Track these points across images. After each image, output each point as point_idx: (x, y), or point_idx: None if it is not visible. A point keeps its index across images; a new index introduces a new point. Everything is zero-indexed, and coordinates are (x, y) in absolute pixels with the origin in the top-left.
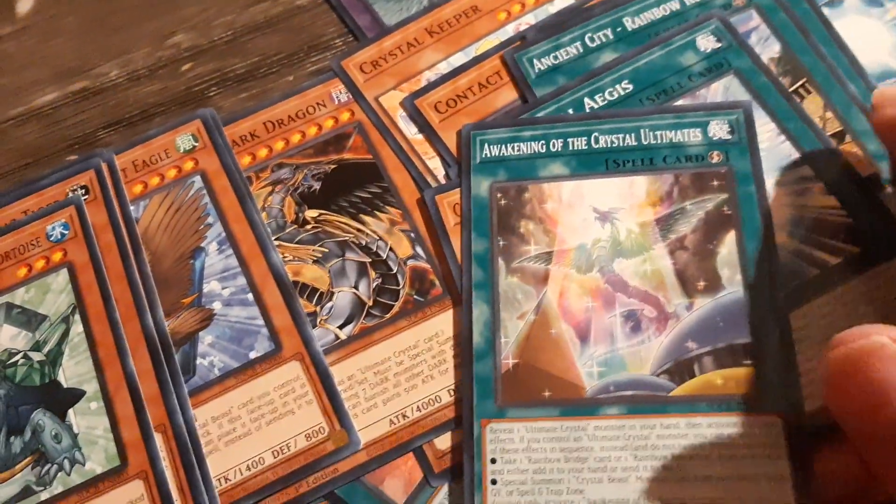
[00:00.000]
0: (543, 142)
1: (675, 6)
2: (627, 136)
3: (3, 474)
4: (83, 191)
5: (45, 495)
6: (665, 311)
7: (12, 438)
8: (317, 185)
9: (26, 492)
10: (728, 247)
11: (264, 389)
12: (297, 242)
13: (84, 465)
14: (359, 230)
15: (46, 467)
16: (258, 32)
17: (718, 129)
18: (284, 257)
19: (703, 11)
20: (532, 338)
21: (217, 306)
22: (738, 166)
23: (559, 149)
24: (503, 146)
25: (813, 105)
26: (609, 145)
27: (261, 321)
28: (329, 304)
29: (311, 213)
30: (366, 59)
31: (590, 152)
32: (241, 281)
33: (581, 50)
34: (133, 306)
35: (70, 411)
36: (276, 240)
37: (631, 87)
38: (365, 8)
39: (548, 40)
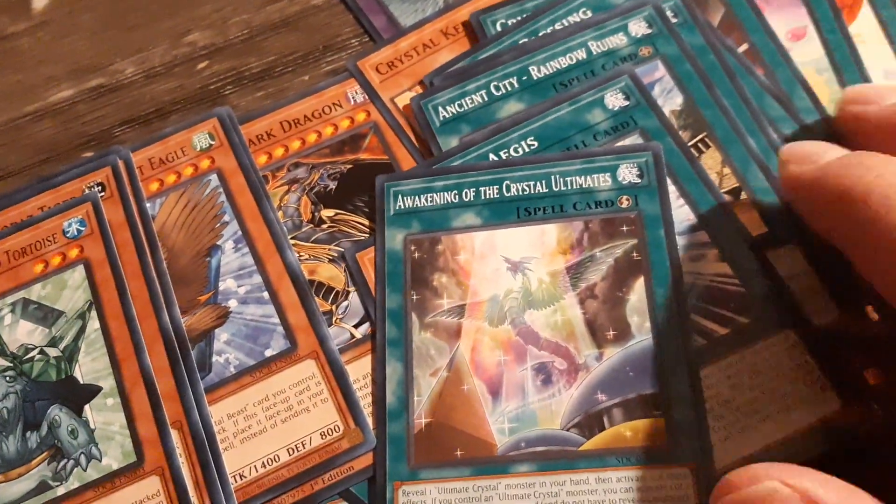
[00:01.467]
0: (456, 191)
1: (582, 55)
2: (538, 183)
3: (20, 469)
4: (100, 188)
5: (61, 490)
6: (575, 362)
7: (29, 433)
8: (333, 185)
9: (42, 487)
10: (637, 293)
11: (280, 387)
12: (312, 241)
13: (100, 460)
14: (374, 229)
15: (63, 462)
16: (274, 32)
17: (627, 172)
18: (300, 256)
19: (608, 60)
20: (445, 395)
21: (233, 304)
22: (648, 210)
23: (471, 198)
24: (416, 197)
25: (711, 160)
26: (520, 193)
27: (276, 319)
28: (345, 303)
29: (327, 213)
30: (381, 60)
31: (501, 201)
32: (257, 279)
33: (486, 98)
34: (149, 303)
35: (86, 407)
36: (292, 238)
37: (536, 143)
38: (380, 9)
39: (453, 87)
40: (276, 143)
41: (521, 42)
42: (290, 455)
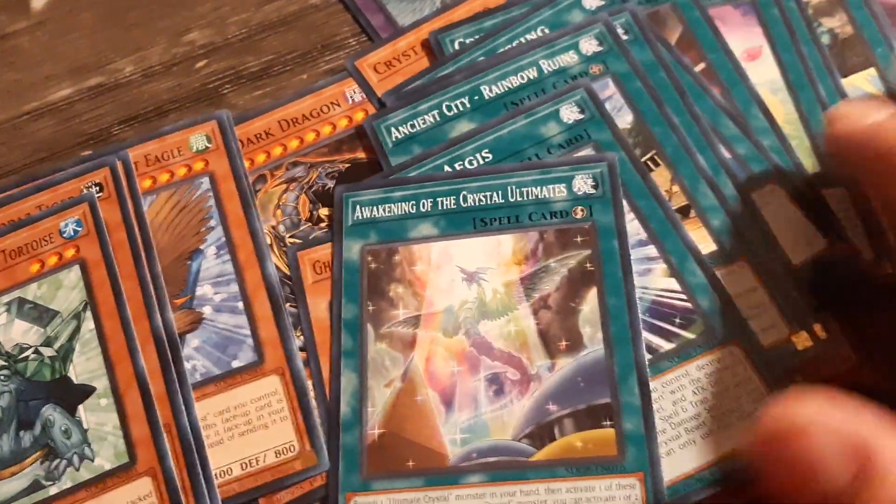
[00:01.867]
0: (413, 202)
1: (533, 74)
2: (495, 193)
3: (13, 468)
4: (97, 188)
5: (53, 490)
6: (528, 372)
7: (22, 433)
8: (331, 184)
9: (35, 486)
10: (590, 304)
11: (241, 400)
12: (311, 240)
13: (93, 460)
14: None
15: (55, 462)
16: (272, 31)
17: (582, 183)
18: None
19: (559, 79)
20: (398, 406)
21: (207, 311)
22: (602, 220)
23: (429, 209)
24: (374, 207)
25: (661, 178)
26: (477, 204)
27: (247, 331)
28: None
29: (325, 212)
30: (380, 60)
31: (458, 211)
32: (234, 288)
33: (438, 119)
34: (143, 305)
35: (80, 407)
36: (290, 237)
37: (491, 156)
38: (378, 8)
39: (405, 108)
40: (275, 142)
41: (473, 61)
42: (242, 469)
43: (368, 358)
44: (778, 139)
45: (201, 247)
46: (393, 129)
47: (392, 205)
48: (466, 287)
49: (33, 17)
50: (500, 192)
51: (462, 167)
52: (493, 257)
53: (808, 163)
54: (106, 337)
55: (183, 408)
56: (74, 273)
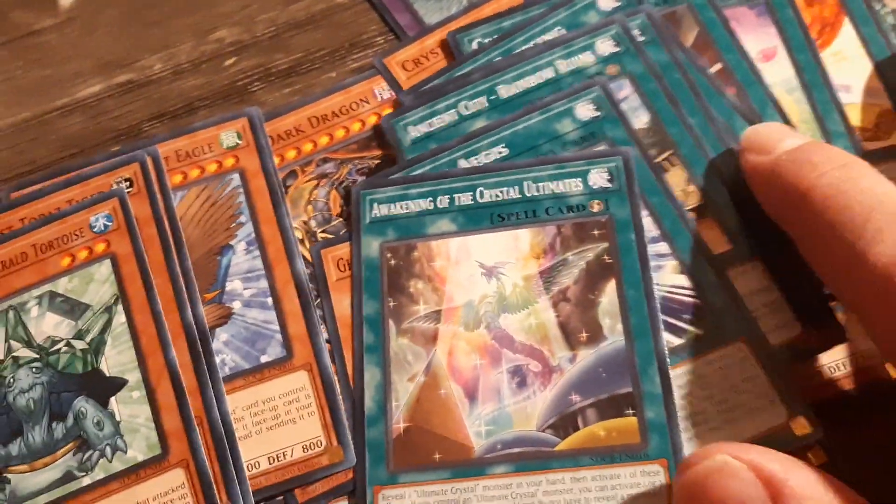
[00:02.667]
0: (431, 199)
1: (550, 74)
2: (511, 189)
3: (46, 459)
4: (127, 183)
5: (86, 481)
6: (549, 364)
7: (55, 424)
8: (361, 180)
9: (68, 477)
10: (609, 296)
11: (270, 395)
12: (337, 237)
13: (126, 452)
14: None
15: (88, 453)
16: (300, 29)
17: (598, 177)
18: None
19: (576, 79)
20: (422, 400)
21: (237, 306)
22: (618, 214)
23: (446, 205)
24: (392, 205)
25: (676, 177)
26: (494, 199)
27: (276, 326)
28: None
29: None
30: (408, 58)
31: (475, 207)
32: (264, 284)
33: (455, 118)
34: (173, 299)
35: (112, 399)
36: (321, 232)
37: (507, 150)
38: (405, 7)
39: (424, 107)
40: (305, 139)
41: (490, 61)
42: (269, 464)
43: (391, 353)
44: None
45: (231, 242)
46: (410, 128)
47: (409, 202)
48: (486, 282)
49: (61, 15)
50: (516, 188)
51: (478, 162)
52: (512, 252)
53: None
54: (137, 330)
55: (214, 401)
56: (105, 267)
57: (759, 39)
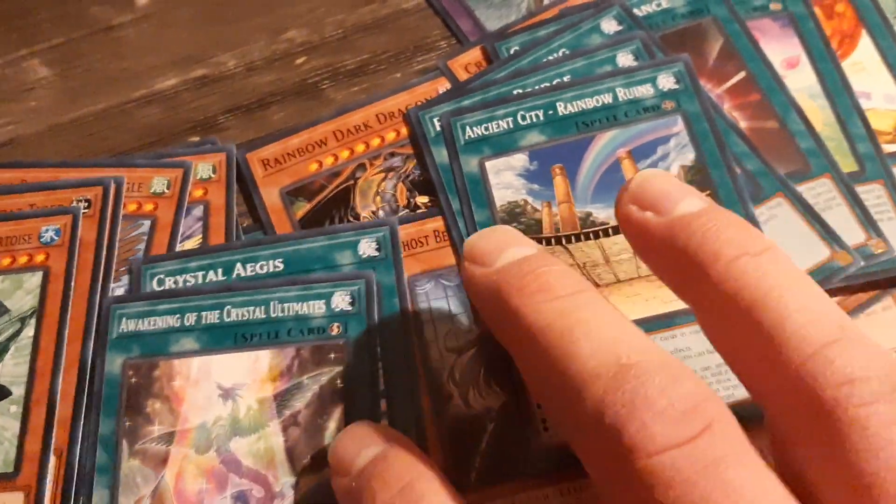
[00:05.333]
0: (178, 315)
1: (608, 99)
2: (257, 308)
3: None
4: (86, 204)
5: None
6: (273, 490)
7: None
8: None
9: None
10: (337, 421)
11: None
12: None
13: None
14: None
15: None
16: (367, 32)
17: (341, 300)
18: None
19: (632, 108)
20: None
21: None
22: (356, 338)
23: (192, 323)
24: (139, 321)
25: None
26: (239, 319)
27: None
28: None
29: (422, 199)
30: (470, 61)
31: (221, 326)
32: None
33: (511, 126)
34: (82, 329)
35: None
36: None
37: (282, 266)
38: (467, 13)
39: (484, 110)
40: (373, 133)
41: (554, 81)
42: None
43: (121, 475)
44: (815, 141)
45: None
46: (467, 128)
47: (157, 318)
48: (222, 403)
49: (138, 11)
50: (262, 308)
51: (254, 270)
52: (251, 373)
53: (846, 162)
54: (39, 348)
55: (79, 437)
56: (36, 278)
57: (783, 49)
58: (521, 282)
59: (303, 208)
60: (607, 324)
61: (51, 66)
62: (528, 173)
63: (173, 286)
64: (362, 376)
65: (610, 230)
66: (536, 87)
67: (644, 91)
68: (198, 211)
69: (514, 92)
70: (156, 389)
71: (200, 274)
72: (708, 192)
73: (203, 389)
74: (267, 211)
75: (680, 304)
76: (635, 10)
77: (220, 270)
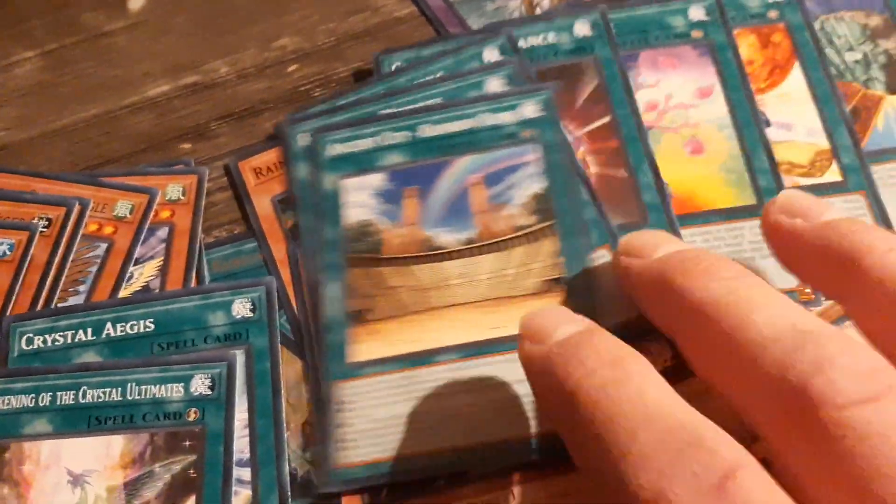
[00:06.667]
0: (33, 395)
1: (472, 124)
2: (114, 390)
3: None
4: (45, 223)
5: None
6: None
7: None
8: None
9: None
10: None
11: None
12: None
13: None
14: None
15: None
16: (358, 40)
17: (200, 383)
18: None
19: (494, 134)
20: None
21: None
22: (212, 425)
23: (47, 403)
24: None
25: (548, 248)
26: (95, 400)
27: None
28: None
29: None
30: None
31: (75, 408)
32: None
33: (375, 146)
34: None
35: None
36: None
37: (153, 327)
38: (459, 22)
39: (349, 128)
40: None
41: (421, 103)
42: None
43: None
44: (659, 195)
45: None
46: (331, 145)
47: (11, 397)
48: (71, 490)
49: (130, 18)
50: (119, 389)
51: (123, 329)
52: (102, 459)
53: (744, 195)
54: None
55: None
56: None
57: (698, 77)
58: (683, 266)
59: (293, 217)
60: (775, 299)
61: (43, 72)
62: (383, 193)
63: (42, 346)
64: (216, 467)
65: (449, 255)
66: (404, 108)
67: (506, 118)
68: (162, 232)
69: (383, 111)
70: (5, 473)
71: (70, 333)
72: (552, 222)
73: (52, 475)
74: (259, 219)
75: (499, 333)
76: (522, 41)
77: (89, 330)
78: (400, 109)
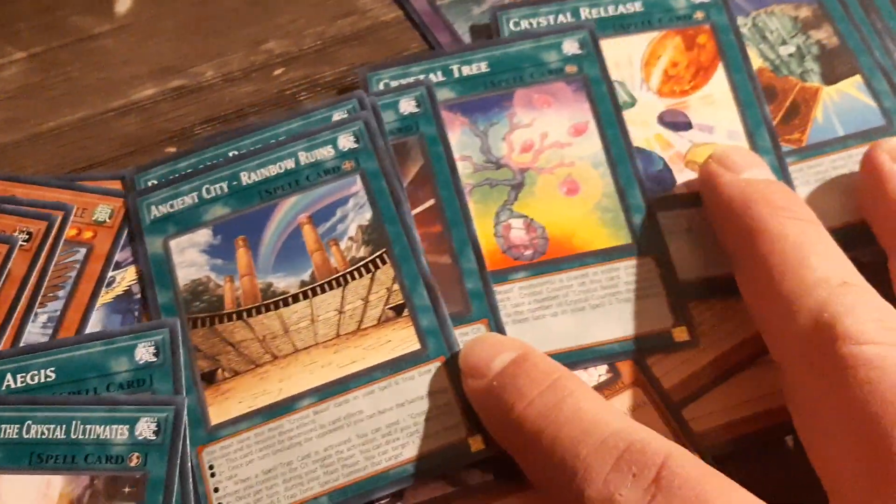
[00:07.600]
0: None
1: (291, 165)
2: (59, 427)
3: None
4: (26, 236)
5: None
6: None
7: None
8: None
9: None
10: None
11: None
12: None
13: None
14: None
15: None
16: (345, 44)
17: (146, 427)
18: None
19: (314, 171)
20: None
21: None
22: (154, 472)
23: None
24: None
25: (384, 276)
26: (39, 436)
27: None
28: None
29: None
30: None
31: (18, 443)
32: None
33: (196, 200)
34: None
35: None
36: None
37: (54, 376)
38: (445, 26)
39: (167, 188)
40: None
41: (234, 152)
42: None
43: None
44: (482, 283)
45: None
46: (153, 207)
47: None
48: None
49: (117, 21)
50: (64, 427)
51: (24, 382)
52: (40, 500)
53: (619, 234)
54: None
55: None
56: None
57: (573, 114)
58: (767, 194)
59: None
60: (833, 251)
61: (30, 75)
62: (212, 248)
63: None
64: None
65: (290, 299)
66: (220, 159)
67: (325, 153)
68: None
69: (201, 165)
70: None
71: None
72: (384, 249)
73: None
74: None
75: (353, 369)
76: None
77: None
78: (216, 161)
